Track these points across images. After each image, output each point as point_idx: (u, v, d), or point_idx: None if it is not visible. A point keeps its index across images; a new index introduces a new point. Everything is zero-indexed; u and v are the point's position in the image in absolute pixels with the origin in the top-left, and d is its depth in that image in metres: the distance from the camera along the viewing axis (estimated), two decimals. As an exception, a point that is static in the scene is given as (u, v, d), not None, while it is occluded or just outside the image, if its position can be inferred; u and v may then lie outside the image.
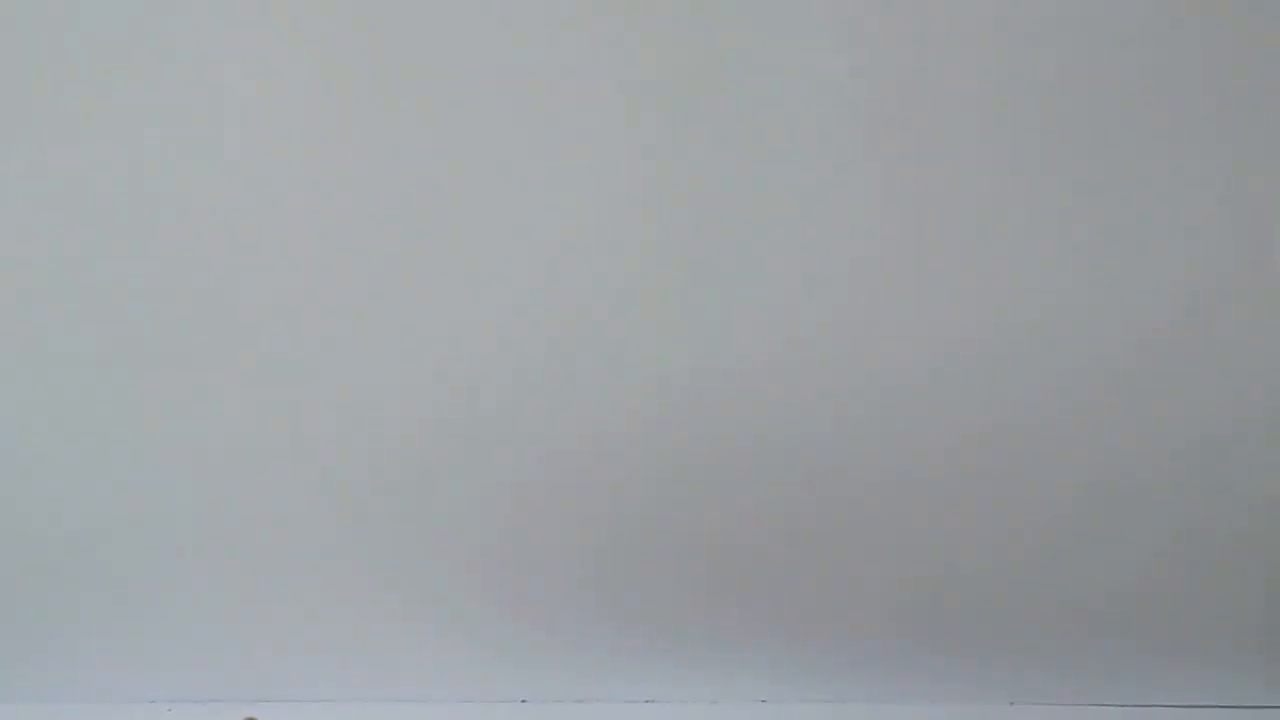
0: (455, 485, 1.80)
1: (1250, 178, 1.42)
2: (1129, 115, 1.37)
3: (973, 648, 2.06)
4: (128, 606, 2.01)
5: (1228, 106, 1.36)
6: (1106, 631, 2.01)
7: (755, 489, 1.79)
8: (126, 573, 1.95)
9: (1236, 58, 1.33)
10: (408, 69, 1.35)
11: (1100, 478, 1.76)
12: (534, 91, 1.36)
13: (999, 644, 2.05)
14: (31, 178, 1.44)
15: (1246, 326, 1.56)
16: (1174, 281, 1.52)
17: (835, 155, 1.41)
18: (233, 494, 1.82)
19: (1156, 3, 1.28)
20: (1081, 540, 1.85)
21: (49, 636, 2.08)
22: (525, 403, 1.68)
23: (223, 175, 1.44)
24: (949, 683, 2.15)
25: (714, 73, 1.35)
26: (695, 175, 1.43)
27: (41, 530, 1.88)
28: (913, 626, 2.03)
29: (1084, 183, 1.43)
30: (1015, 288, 1.53)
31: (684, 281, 1.53)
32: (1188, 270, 1.50)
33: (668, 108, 1.37)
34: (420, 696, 2.19)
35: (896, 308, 1.55)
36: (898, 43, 1.32)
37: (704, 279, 1.53)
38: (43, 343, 1.62)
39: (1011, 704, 2.18)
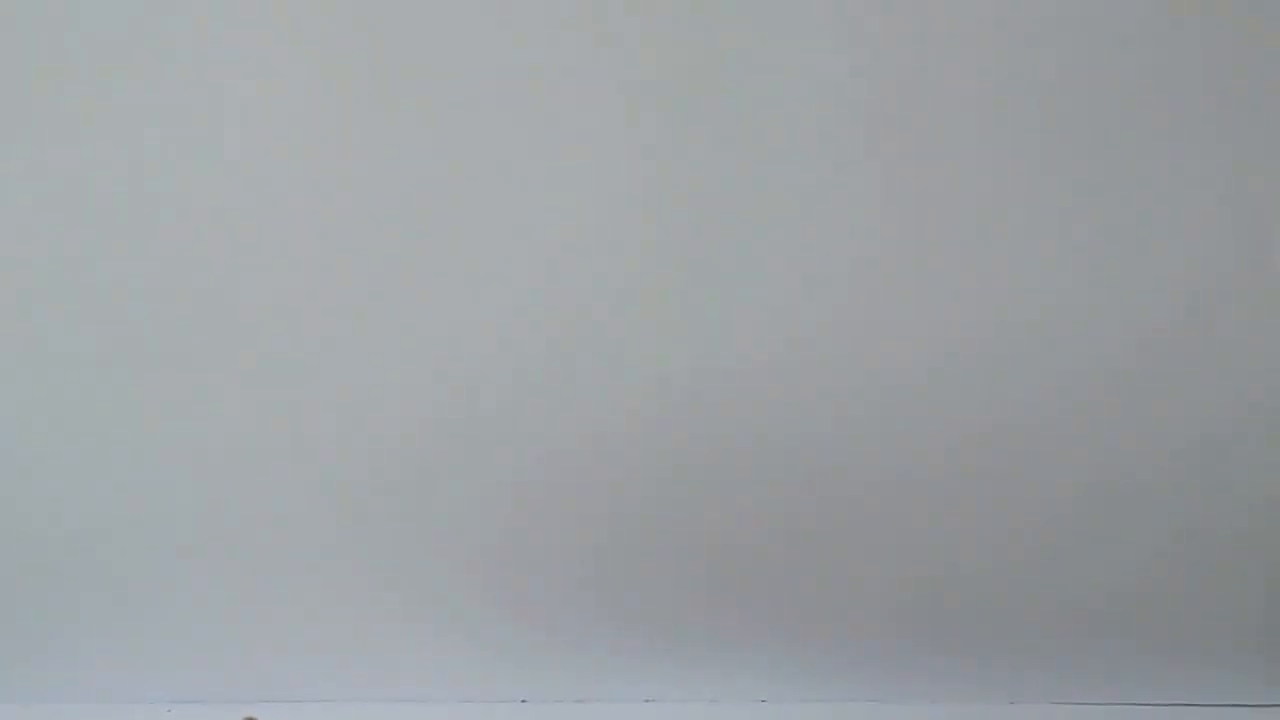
0: (455, 485, 1.80)
1: (1250, 178, 1.42)
2: (1129, 115, 1.37)
3: (973, 648, 2.06)
4: (128, 606, 2.01)
5: (1228, 106, 1.36)
6: (1106, 631, 2.01)
7: (755, 489, 1.79)
8: (126, 573, 1.95)
9: (1236, 58, 1.33)
10: (408, 69, 1.35)
11: (1100, 478, 1.76)
12: (534, 91, 1.36)
13: (999, 644, 2.05)
14: (31, 178, 1.44)
15: (1246, 326, 1.56)
16: (1174, 281, 1.52)
17: (835, 155, 1.41)
18: (233, 494, 1.82)
19: (1156, 3, 1.28)
20: (1081, 540, 1.85)
21: (49, 636, 2.08)
22: (525, 403, 1.68)
23: (223, 175, 1.44)
24: (949, 683, 2.15)
25: (714, 73, 1.35)
26: (695, 175, 1.43)
27: (41, 530, 1.88)
28: (913, 626, 2.03)
29: (1084, 183, 1.43)
30: (1015, 288, 1.53)
31: (684, 281, 1.53)
32: (1188, 270, 1.50)
33: (668, 108, 1.37)
34: (420, 696, 2.19)
35: (896, 308, 1.55)
36: (898, 43, 1.32)
37: (704, 279, 1.53)
38: (43, 343, 1.62)
39: (1012, 703, 2.18)
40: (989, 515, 1.82)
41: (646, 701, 2.20)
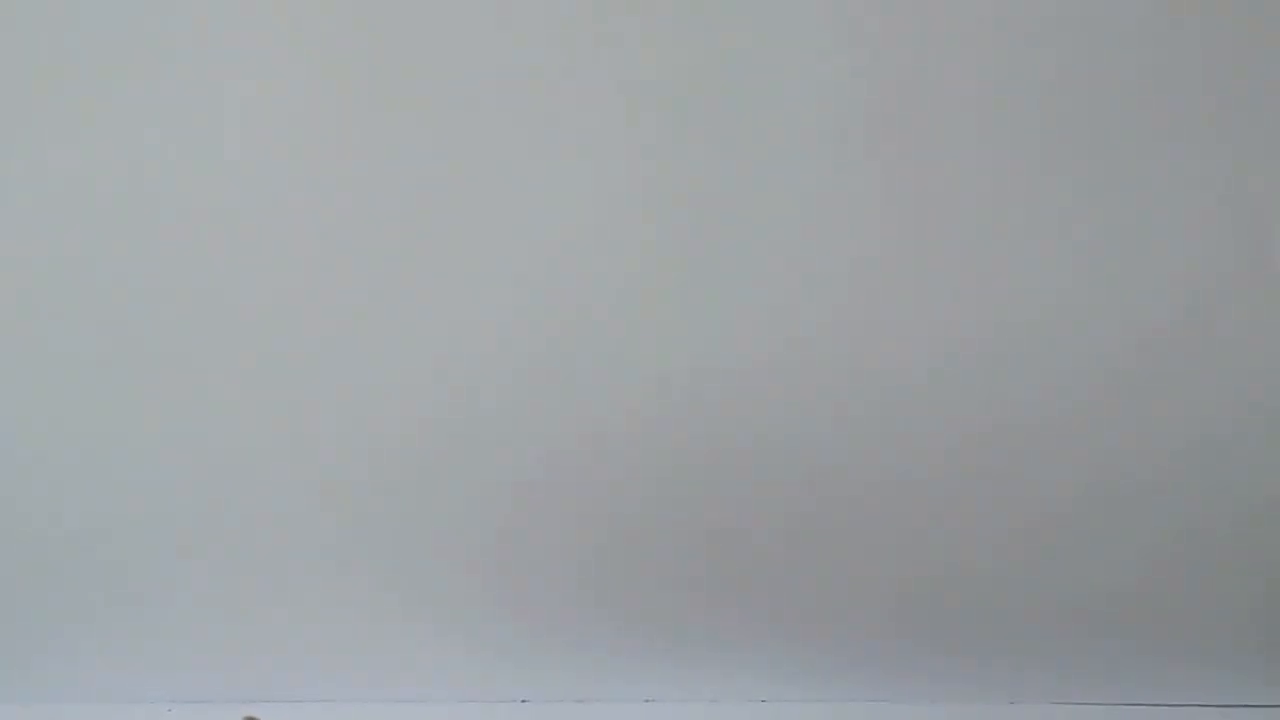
0: (455, 485, 1.80)
1: (1250, 178, 1.42)
2: (1129, 115, 1.37)
3: (973, 648, 2.06)
4: (128, 606, 2.01)
5: (1228, 106, 1.36)
6: (1106, 631, 2.01)
7: (755, 489, 1.79)
8: (126, 573, 1.95)
9: (1236, 58, 1.33)
10: (408, 69, 1.35)
11: (1100, 478, 1.75)
12: (534, 91, 1.36)
13: (999, 644, 2.04)
14: (31, 178, 1.44)
15: (1246, 326, 1.56)
16: (1174, 281, 1.52)
17: (835, 155, 1.41)
18: (233, 494, 1.82)
19: (1156, 3, 1.29)
20: (1081, 540, 1.85)
21: (49, 636, 2.08)
22: (525, 403, 1.68)
23: (223, 175, 1.44)
24: (949, 683, 2.15)
25: (714, 73, 1.35)
26: (695, 175, 1.43)
27: (41, 530, 1.88)
28: (913, 626, 2.03)
29: (1084, 183, 1.43)
30: (1015, 288, 1.53)
31: (684, 281, 1.53)
32: (1188, 270, 1.50)
33: (668, 108, 1.37)
34: (420, 696, 2.19)
35: (896, 308, 1.55)
36: (898, 43, 1.32)
37: (704, 279, 1.53)
38: (43, 343, 1.62)
39: (1012, 703, 2.18)
40: (989, 515, 1.82)
41: (647, 701, 2.20)
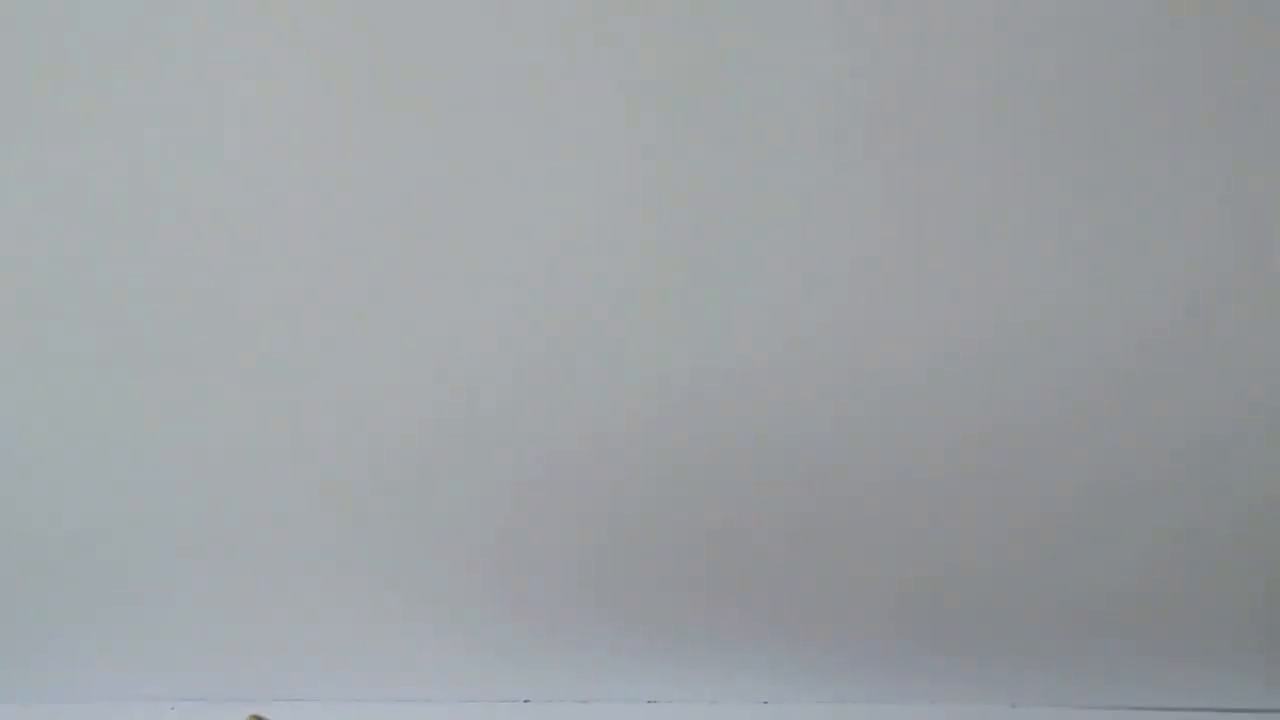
0: (455, 485, 1.80)
1: (1250, 178, 1.42)
2: (1129, 115, 1.37)
3: (973, 648, 2.06)
4: (128, 606, 2.01)
5: (1228, 106, 1.36)
6: (1106, 631, 2.00)
7: (755, 489, 1.79)
8: (126, 573, 1.95)
9: (1236, 58, 1.33)
10: (408, 69, 1.35)
11: (1100, 478, 1.75)
12: (534, 91, 1.36)
13: (999, 644, 2.04)
14: (31, 178, 1.44)
15: (1246, 326, 1.56)
16: (1174, 281, 1.52)
17: (835, 155, 1.41)
18: (233, 494, 1.82)
19: (1156, 3, 1.28)
20: (1081, 540, 1.84)
21: (49, 636, 2.08)
22: (525, 403, 1.68)
23: (223, 175, 1.44)
24: (949, 683, 2.15)
25: (714, 73, 1.35)
26: (695, 175, 1.43)
27: (41, 530, 1.88)
28: (913, 626, 2.02)
29: (1084, 183, 1.43)
30: (1015, 288, 1.53)
31: (684, 281, 1.53)
32: (1188, 270, 1.50)
33: (668, 108, 1.37)
34: (421, 696, 2.19)
35: (896, 308, 1.55)
36: (898, 43, 1.32)
37: (704, 279, 1.53)
38: (43, 343, 1.62)
39: (1013, 706, 2.17)
40: (989, 515, 1.81)
41: (648, 702, 2.20)
